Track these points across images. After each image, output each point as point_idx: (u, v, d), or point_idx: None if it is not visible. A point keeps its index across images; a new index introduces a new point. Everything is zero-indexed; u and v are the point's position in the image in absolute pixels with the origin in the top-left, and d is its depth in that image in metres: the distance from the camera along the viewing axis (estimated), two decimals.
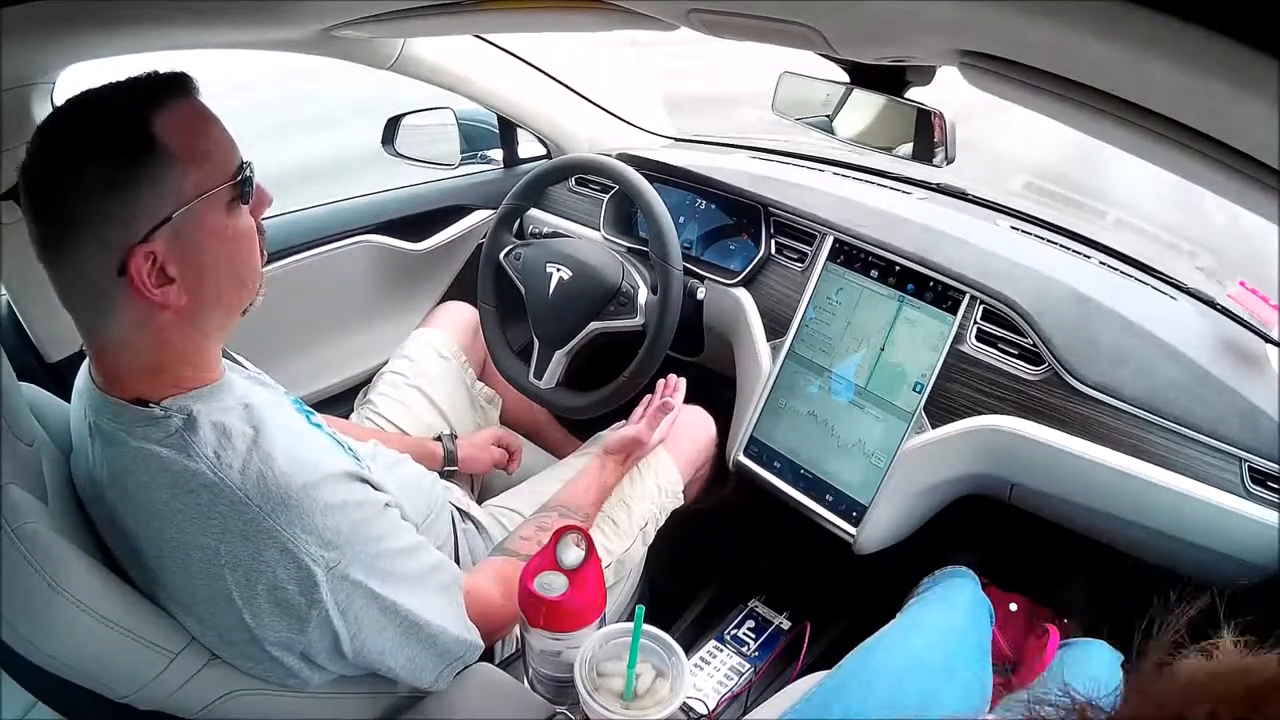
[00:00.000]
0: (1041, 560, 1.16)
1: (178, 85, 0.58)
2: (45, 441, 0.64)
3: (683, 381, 1.12)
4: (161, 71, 0.58)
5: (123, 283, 0.56)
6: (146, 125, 0.55)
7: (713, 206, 1.25)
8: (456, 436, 1.13)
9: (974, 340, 0.97)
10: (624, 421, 1.10)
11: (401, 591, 0.64)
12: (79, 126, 0.56)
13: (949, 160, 0.84)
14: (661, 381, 1.10)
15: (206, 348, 0.63)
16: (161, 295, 0.57)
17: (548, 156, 1.45)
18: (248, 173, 0.61)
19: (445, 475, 1.08)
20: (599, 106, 1.45)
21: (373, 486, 0.66)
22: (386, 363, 1.24)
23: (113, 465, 0.59)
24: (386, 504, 0.67)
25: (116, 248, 0.55)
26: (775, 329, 1.12)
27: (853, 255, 1.07)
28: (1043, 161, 4.26)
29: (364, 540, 0.62)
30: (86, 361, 0.63)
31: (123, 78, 0.57)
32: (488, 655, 0.89)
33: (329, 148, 3.63)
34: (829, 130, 0.94)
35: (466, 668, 0.71)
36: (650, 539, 1.07)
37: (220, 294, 0.61)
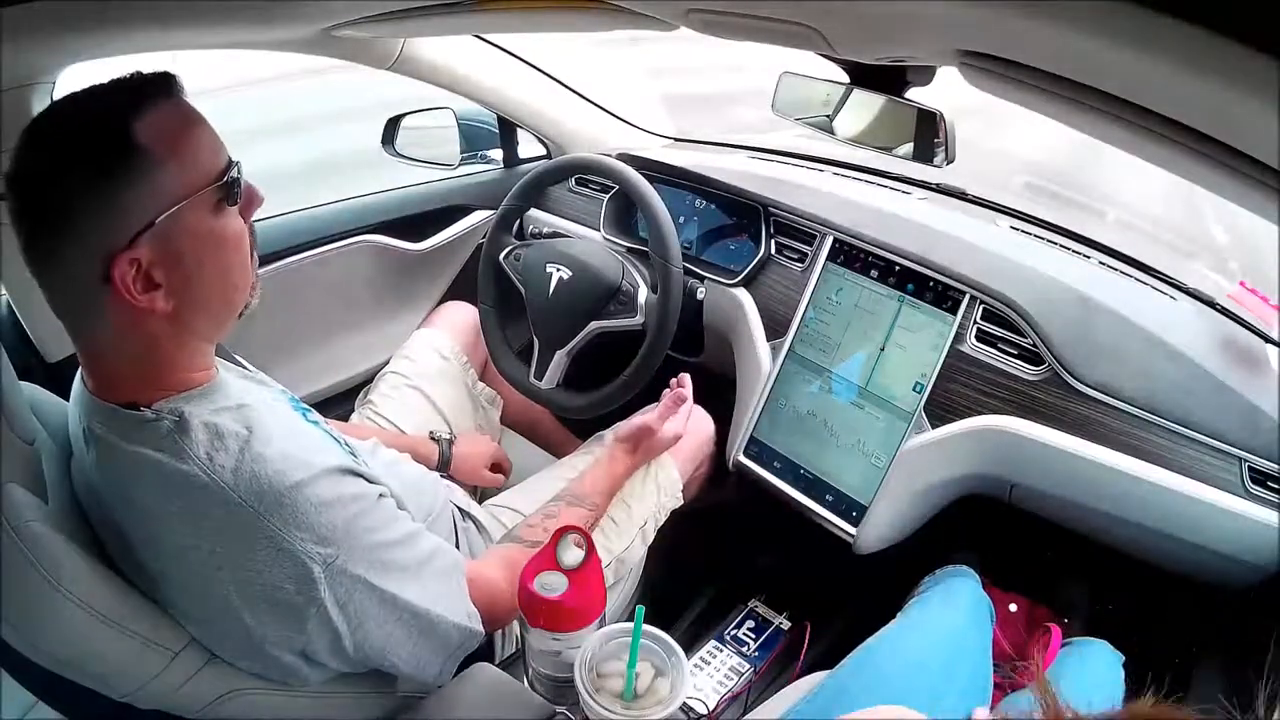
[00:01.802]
0: (1041, 560, 1.16)
1: (161, 86, 0.57)
2: (45, 441, 0.64)
3: (688, 377, 1.11)
4: (144, 72, 0.57)
5: (107, 289, 0.55)
6: (127, 129, 0.54)
7: (713, 206, 1.25)
8: (454, 441, 1.13)
9: (974, 340, 0.97)
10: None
11: (400, 582, 0.64)
12: (60, 131, 0.56)
13: (949, 160, 0.84)
14: (674, 380, 1.10)
15: (198, 350, 0.63)
16: (147, 301, 0.56)
17: (548, 156, 1.45)
18: (234, 174, 0.60)
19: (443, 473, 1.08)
20: (599, 106, 1.45)
21: (366, 479, 0.66)
22: (387, 363, 1.24)
23: (107, 470, 0.59)
24: (381, 495, 0.67)
25: (99, 254, 0.54)
26: (775, 329, 1.12)
27: (853, 255, 1.07)
28: (1043, 161, 4.26)
29: (360, 533, 0.62)
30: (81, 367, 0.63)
31: (106, 80, 0.57)
32: (488, 655, 0.89)
33: None
34: (829, 130, 0.94)
35: (468, 666, 0.72)
36: (650, 539, 1.07)
37: (208, 298, 0.61)
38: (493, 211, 1.27)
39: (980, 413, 0.95)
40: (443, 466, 1.09)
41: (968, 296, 0.97)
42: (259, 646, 0.60)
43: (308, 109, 4.22)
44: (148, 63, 0.59)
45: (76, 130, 0.55)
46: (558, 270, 1.14)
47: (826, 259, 1.09)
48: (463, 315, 1.32)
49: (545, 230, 1.38)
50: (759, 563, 1.30)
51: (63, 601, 0.54)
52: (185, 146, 0.57)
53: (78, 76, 0.73)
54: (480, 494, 1.17)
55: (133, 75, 0.57)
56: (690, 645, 1.18)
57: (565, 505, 0.92)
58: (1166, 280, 1.06)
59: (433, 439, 1.11)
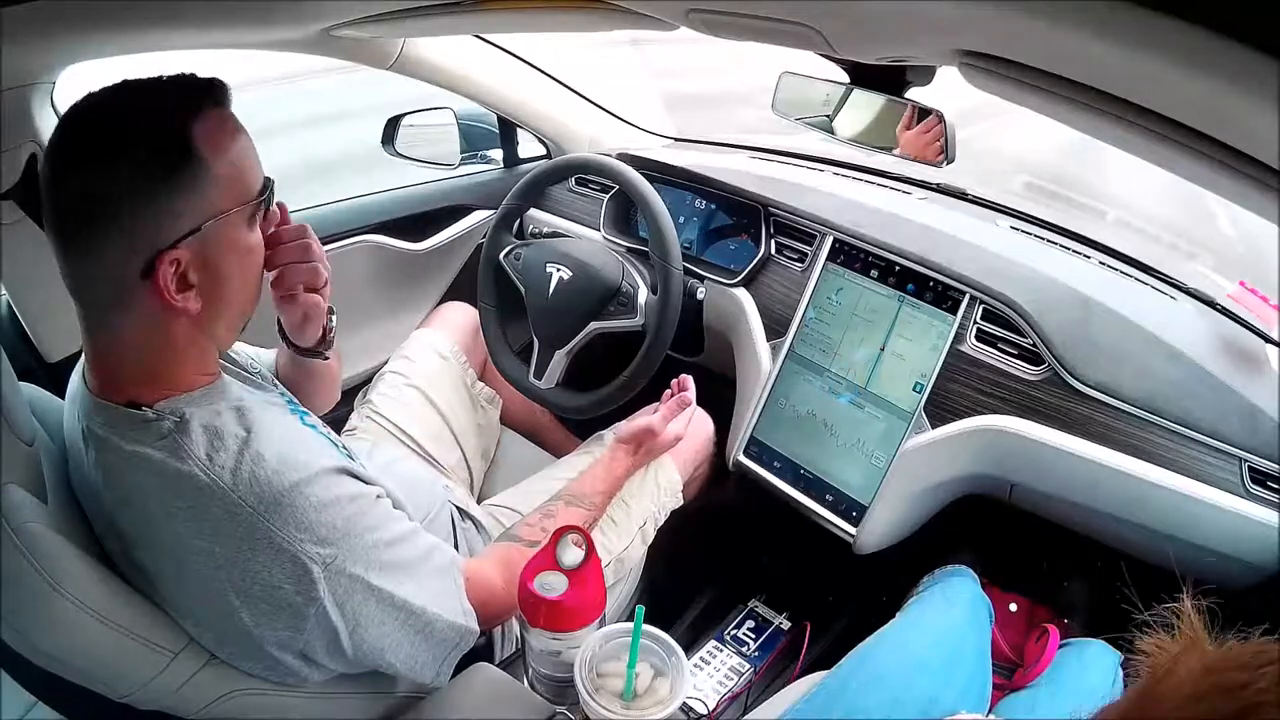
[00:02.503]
0: (1041, 560, 1.16)
1: (213, 93, 0.58)
2: (45, 441, 0.64)
3: (691, 379, 1.11)
4: (199, 76, 0.59)
5: (145, 285, 0.56)
6: (187, 132, 0.55)
7: (713, 206, 1.25)
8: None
9: (974, 340, 0.97)
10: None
11: (398, 580, 0.64)
12: (115, 122, 0.56)
13: (949, 160, 0.84)
14: (676, 381, 1.10)
15: (209, 351, 0.64)
16: (182, 300, 0.57)
17: (548, 156, 1.45)
18: (271, 191, 0.62)
19: (444, 471, 1.07)
20: (599, 106, 1.45)
21: (363, 480, 0.67)
22: (386, 363, 1.24)
23: (107, 470, 0.59)
24: (378, 495, 0.67)
25: (144, 250, 0.55)
26: (775, 329, 1.12)
27: (853, 255, 1.07)
28: (1043, 161, 4.27)
29: (358, 533, 0.62)
30: (80, 366, 0.63)
31: (158, 75, 0.57)
32: (488, 655, 0.89)
33: None
34: (829, 130, 0.94)
35: (468, 666, 0.72)
36: (650, 538, 1.07)
37: (231, 304, 0.62)
38: (493, 211, 1.27)
39: (980, 413, 0.95)
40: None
41: (968, 296, 0.97)
42: (259, 646, 0.60)
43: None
44: (155, 62, 0.60)
45: (136, 123, 0.55)
46: (558, 270, 1.14)
47: (826, 259, 1.09)
48: (462, 315, 1.32)
49: (545, 230, 1.38)
50: (759, 563, 1.30)
51: (62, 602, 0.54)
52: (235, 159, 0.59)
53: (77, 77, 0.73)
54: (479, 494, 1.17)
55: (188, 77, 0.58)
56: (690, 645, 1.18)
57: (564, 505, 0.92)
58: (1166, 280, 1.06)
59: None
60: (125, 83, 0.57)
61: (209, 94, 0.58)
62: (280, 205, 0.68)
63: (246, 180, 0.60)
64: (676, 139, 1.51)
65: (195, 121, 0.56)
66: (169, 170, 0.55)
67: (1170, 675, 0.32)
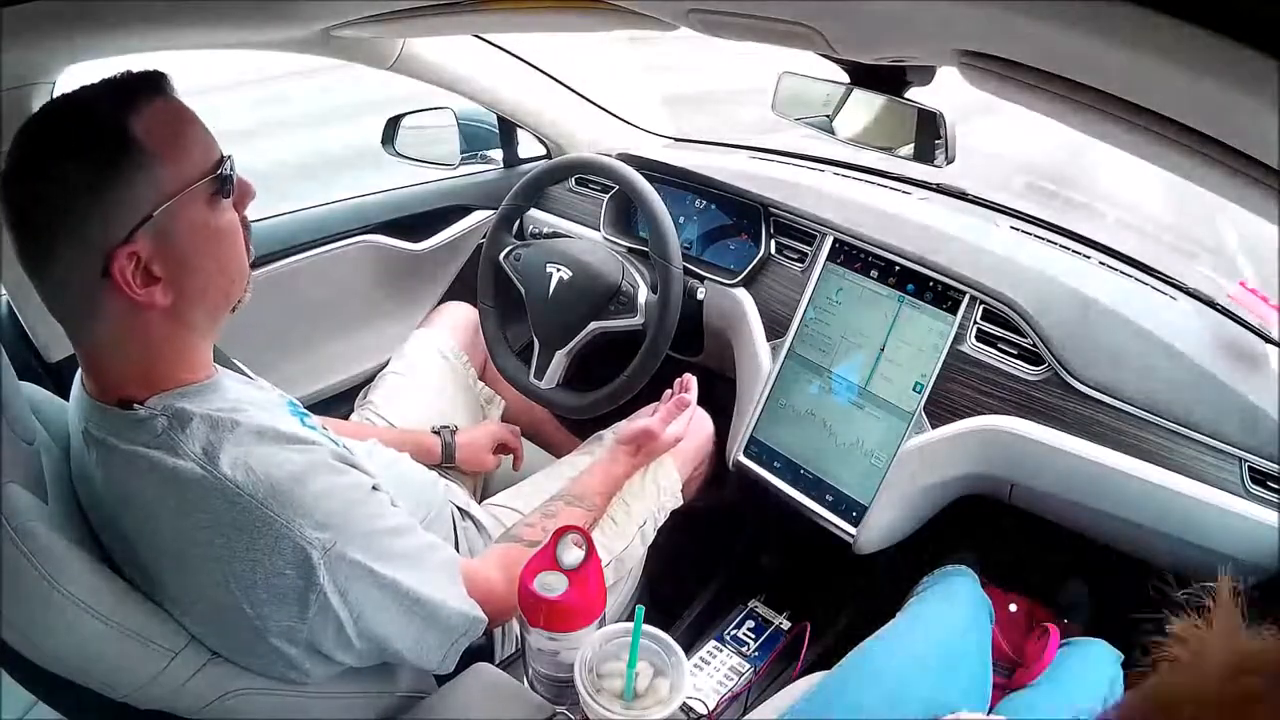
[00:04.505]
0: (1041, 560, 1.16)
1: (152, 84, 0.58)
2: (45, 441, 0.64)
3: (694, 379, 1.11)
4: (135, 71, 0.58)
5: (107, 285, 0.56)
6: (123, 124, 0.55)
7: (713, 206, 1.25)
8: (457, 431, 1.13)
9: (974, 340, 0.97)
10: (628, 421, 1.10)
11: (400, 569, 0.64)
12: (54, 131, 0.56)
13: (949, 160, 0.84)
14: (678, 381, 1.10)
15: (196, 345, 0.63)
16: (147, 295, 0.57)
17: (548, 156, 1.45)
18: (227, 168, 0.61)
19: (444, 471, 1.07)
20: (599, 106, 1.45)
21: (363, 473, 0.67)
22: (387, 363, 1.24)
23: (107, 471, 0.59)
24: (374, 487, 0.67)
25: (98, 250, 0.55)
26: (775, 329, 1.12)
27: (853, 255, 1.07)
28: (1043, 161, 4.27)
29: (357, 519, 0.62)
30: (80, 369, 0.63)
31: (96, 80, 0.58)
32: (488, 655, 0.89)
33: None
34: (829, 130, 0.94)
35: (468, 666, 0.72)
36: (649, 538, 1.07)
37: (206, 290, 0.62)
38: (493, 211, 1.27)
39: (980, 413, 0.95)
40: (448, 459, 1.09)
41: (968, 296, 0.97)
42: (261, 639, 0.60)
43: None
44: (138, 62, 0.60)
45: (72, 128, 0.56)
46: (558, 270, 1.14)
47: (826, 259, 1.09)
48: (463, 315, 1.32)
49: (545, 230, 1.38)
50: (759, 563, 1.30)
51: (62, 602, 0.54)
52: (179, 141, 0.58)
53: (77, 76, 0.73)
54: (480, 494, 1.17)
55: (124, 74, 0.58)
56: (690, 645, 1.18)
57: (564, 505, 0.92)
58: (1166, 280, 1.06)
59: (435, 433, 1.11)
60: (61, 95, 0.58)
61: (145, 86, 0.58)
62: (241, 181, 0.64)
63: (195, 161, 0.59)
64: (676, 139, 1.51)
65: (132, 114, 0.55)
66: (110, 166, 0.55)
67: (1198, 663, 0.31)
